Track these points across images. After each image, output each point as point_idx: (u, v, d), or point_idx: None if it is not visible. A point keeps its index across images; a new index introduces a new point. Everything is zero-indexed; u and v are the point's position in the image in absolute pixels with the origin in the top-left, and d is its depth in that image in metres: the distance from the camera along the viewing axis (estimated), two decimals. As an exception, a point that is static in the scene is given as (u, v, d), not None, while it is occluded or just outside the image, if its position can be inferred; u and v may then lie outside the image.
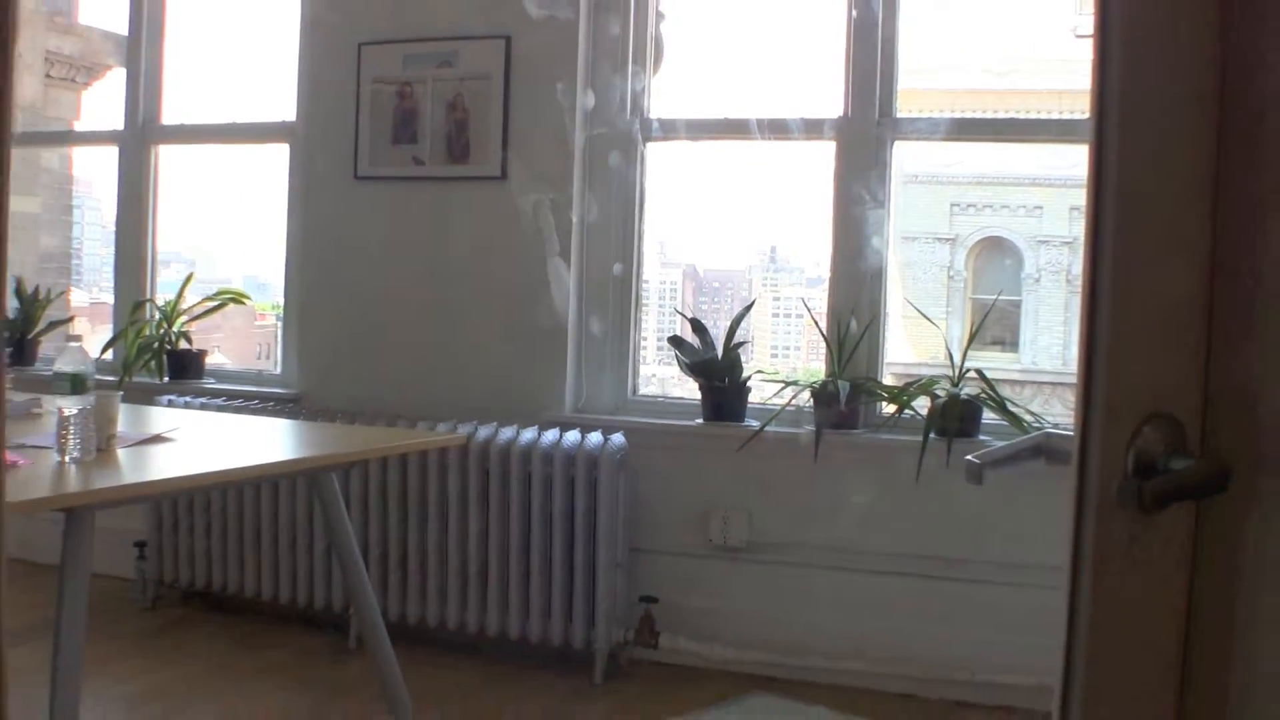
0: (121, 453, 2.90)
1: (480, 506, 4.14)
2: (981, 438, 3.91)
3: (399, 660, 3.39)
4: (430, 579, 4.22)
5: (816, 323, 4.28)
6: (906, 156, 4.48)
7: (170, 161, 5.23)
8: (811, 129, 4.23)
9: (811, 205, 4.44)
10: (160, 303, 5.09)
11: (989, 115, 5.93)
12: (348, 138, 4.57)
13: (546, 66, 4.29)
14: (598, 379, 4.41)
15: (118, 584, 4.71)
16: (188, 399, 4.62)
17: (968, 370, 3.99)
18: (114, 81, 5.90)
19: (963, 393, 3.93)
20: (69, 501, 2.52)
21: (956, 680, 3.88)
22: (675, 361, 4.35)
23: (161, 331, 4.97)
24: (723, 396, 4.19)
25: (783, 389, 4.21)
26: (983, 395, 3.95)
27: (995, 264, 8.24)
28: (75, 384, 2.97)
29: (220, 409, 4.43)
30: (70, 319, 5.37)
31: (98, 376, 3.29)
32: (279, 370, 4.97)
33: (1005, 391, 4.07)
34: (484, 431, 4.18)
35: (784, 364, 6.70)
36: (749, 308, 4.44)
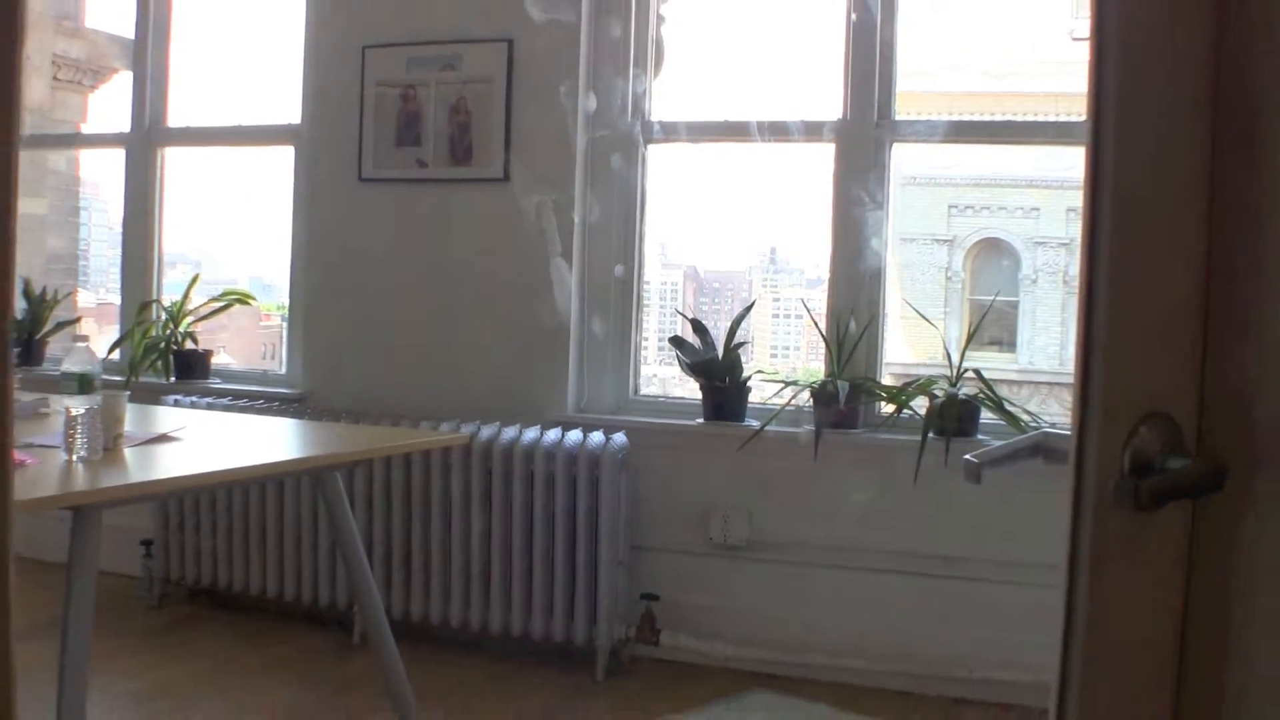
0: (128, 452, 2.90)
1: (483, 505, 4.16)
2: (979, 437, 3.92)
3: (403, 657, 3.40)
4: (433, 577, 4.24)
5: (816, 323, 4.30)
6: (905, 158, 4.49)
7: (176, 164, 5.25)
8: (811, 131, 4.25)
9: (811, 207, 4.46)
10: (166, 303, 5.12)
11: (987, 118, 5.94)
12: (352, 140, 4.59)
13: (549, 69, 4.31)
14: (599, 379, 4.44)
15: (124, 582, 4.73)
16: (194, 399, 4.64)
17: (966, 370, 4.01)
18: (120, 84, 5.91)
19: (961, 393, 3.95)
20: (76, 500, 2.53)
21: (955, 677, 3.90)
22: (676, 362, 4.36)
23: (168, 332, 4.99)
24: (723, 396, 4.21)
25: (782, 389, 4.23)
26: (980, 395, 3.97)
27: (993, 265, 8.25)
28: (82, 384, 3.00)
29: (226, 409, 4.45)
30: (77, 319, 5.39)
31: (105, 376, 3.31)
32: (284, 370, 5.00)
33: (1003, 391, 4.08)
34: (487, 431, 4.20)
35: (784, 364, 6.71)
36: (749, 308, 4.46)
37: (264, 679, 4.00)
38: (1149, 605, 1.13)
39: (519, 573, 4.12)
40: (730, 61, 4.90)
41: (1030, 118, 5.85)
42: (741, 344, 4.29)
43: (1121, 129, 1.07)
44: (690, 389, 4.41)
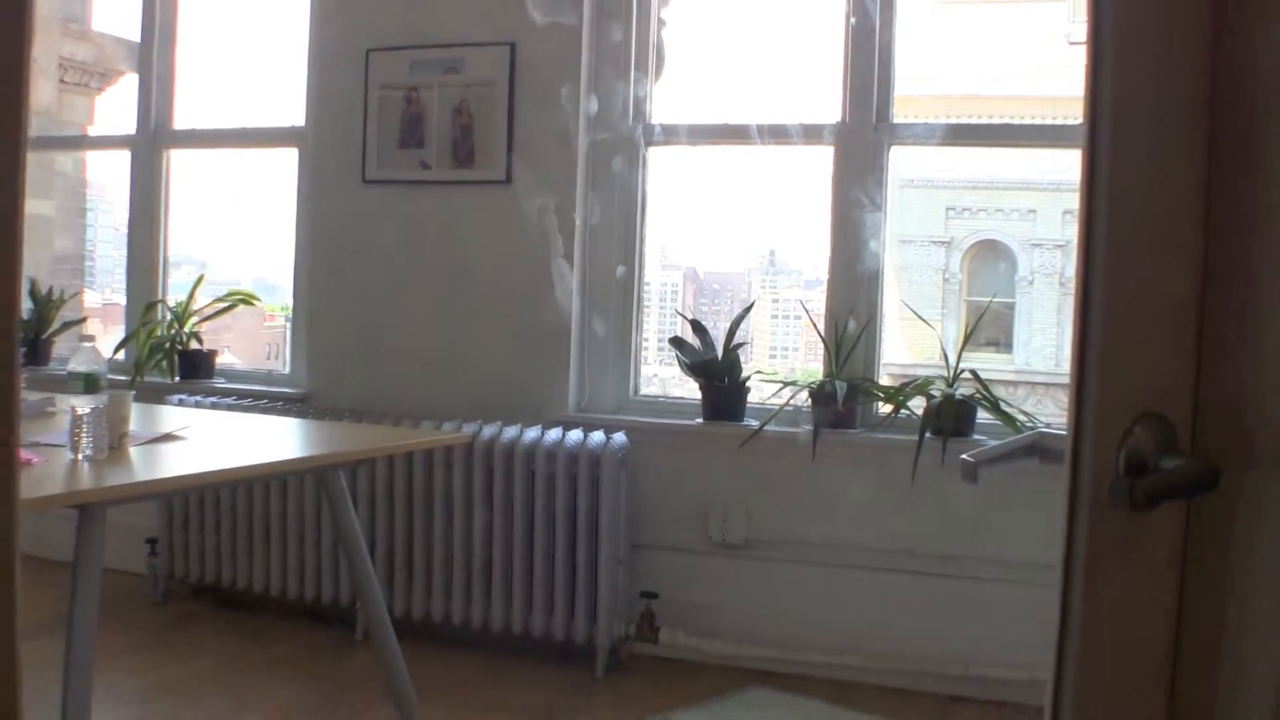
0: (133, 451, 2.90)
1: (484, 504, 4.18)
2: (976, 437, 3.94)
3: (405, 654, 3.39)
4: (435, 575, 4.26)
5: (814, 324, 4.32)
6: (903, 161, 4.50)
7: (181, 165, 5.26)
8: (810, 134, 4.26)
9: (810, 209, 4.48)
10: (172, 304, 5.12)
11: (984, 121, 5.97)
12: (355, 142, 4.61)
13: (551, 73, 4.32)
14: (600, 379, 4.46)
15: (129, 579, 4.75)
16: (198, 398, 4.66)
17: (962, 371, 4.02)
18: (126, 87, 5.94)
19: (957, 393, 3.96)
20: (82, 498, 2.52)
21: (950, 675, 3.92)
22: (676, 362, 4.38)
23: (173, 332, 5.00)
24: (722, 396, 4.23)
25: (781, 389, 4.25)
26: (977, 395, 3.99)
27: (989, 267, 8.29)
28: (88, 383, 2.99)
29: (230, 408, 4.46)
30: (83, 320, 5.39)
31: (110, 376, 3.32)
32: (288, 370, 5.01)
33: (999, 392, 4.11)
34: (488, 430, 4.22)
35: (782, 364, 6.75)
36: (748, 309, 4.48)
37: (267, 676, 4.01)
38: (1143, 604, 1.13)
39: (520, 571, 4.15)
40: (730, 65, 4.93)
41: (1027, 121, 5.87)
42: (741, 344, 4.31)
43: (1118, 132, 1.08)
44: (690, 389, 4.43)
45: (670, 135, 4.43)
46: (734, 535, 4.22)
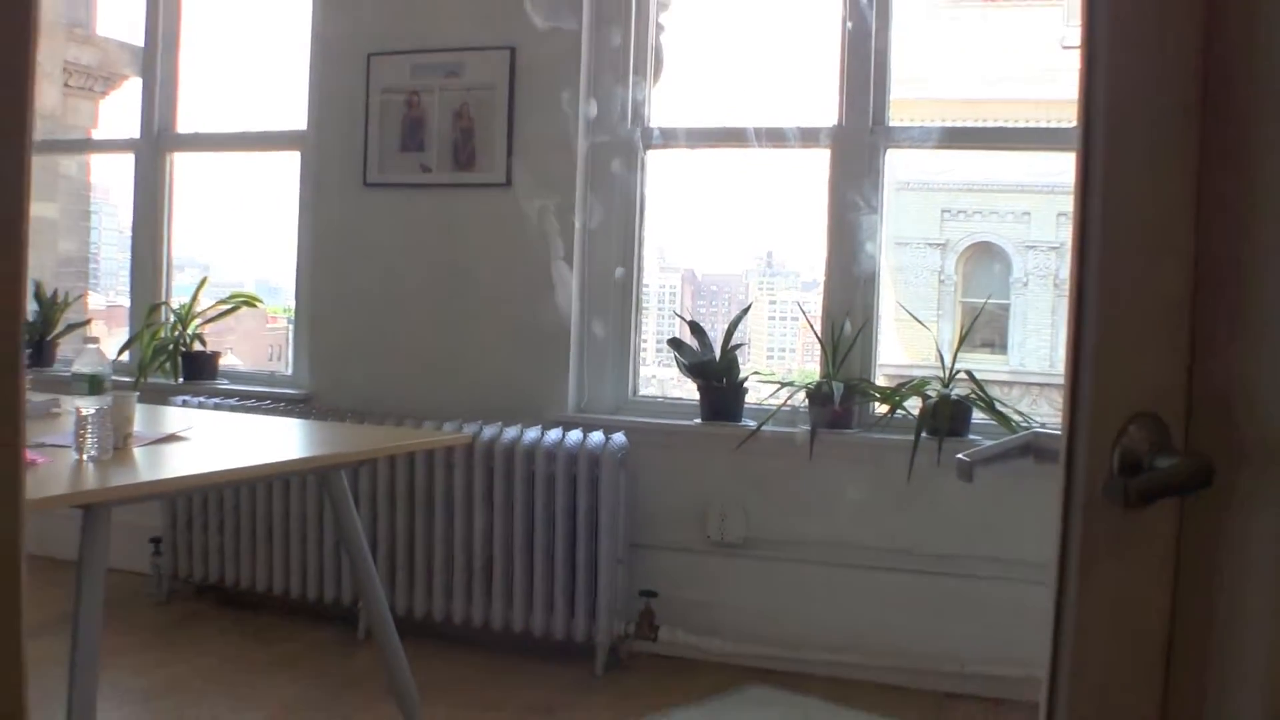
0: (137, 451, 2.91)
1: (485, 504, 4.20)
2: (971, 437, 3.97)
3: (406, 652, 3.40)
4: (436, 574, 4.28)
5: (811, 325, 4.33)
6: (899, 164, 4.55)
7: (185, 168, 5.28)
8: (807, 137, 4.29)
9: (807, 211, 4.50)
10: (175, 306, 5.14)
11: (979, 124, 6.00)
12: (357, 145, 4.63)
13: (550, 76, 4.34)
14: (599, 380, 4.48)
15: (133, 579, 4.77)
16: (201, 399, 4.68)
17: (958, 371, 4.04)
18: (130, 91, 5.95)
19: (953, 393, 3.99)
20: (86, 498, 2.53)
21: (947, 672, 3.95)
22: (674, 363, 4.40)
23: (176, 334, 5.02)
24: (720, 397, 4.26)
25: (779, 390, 4.26)
26: (972, 396, 4.01)
27: (984, 268, 8.31)
28: (93, 384, 2.99)
29: (233, 409, 4.48)
30: (88, 321, 5.40)
31: (114, 377, 3.34)
32: (290, 371, 5.03)
33: (994, 392, 4.12)
34: (489, 431, 4.24)
35: (780, 365, 6.78)
36: (746, 311, 4.50)
37: (270, 674, 4.03)
38: (1137, 601, 1.13)
39: (520, 570, 4.17)
40: (728, 69, 4.95)
41: (1022, 124, 5.90)
42: (738, 345, 4.33)
43: (1111, 136, 1.08)
44: (688, 390, 4.45)
45: (669, 138, 4.45)
46: (732, 534, 4.24)
